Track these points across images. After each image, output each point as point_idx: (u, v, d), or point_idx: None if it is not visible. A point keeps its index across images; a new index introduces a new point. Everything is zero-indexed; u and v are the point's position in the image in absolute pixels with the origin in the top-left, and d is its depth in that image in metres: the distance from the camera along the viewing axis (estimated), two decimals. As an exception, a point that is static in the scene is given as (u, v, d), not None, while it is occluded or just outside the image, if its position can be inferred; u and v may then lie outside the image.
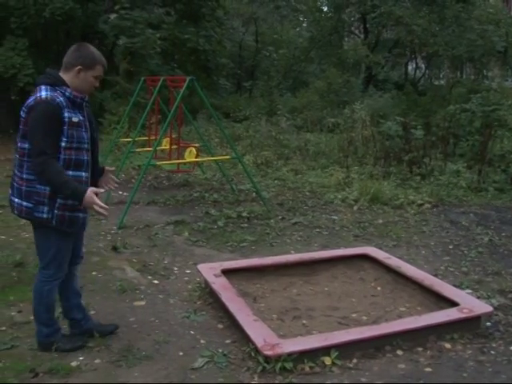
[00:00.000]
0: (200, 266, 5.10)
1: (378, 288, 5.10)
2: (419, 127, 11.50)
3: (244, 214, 7.94)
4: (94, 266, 5.72)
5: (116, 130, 11.83)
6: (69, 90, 3.58)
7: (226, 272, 4.96)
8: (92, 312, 4.52)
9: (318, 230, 7.43)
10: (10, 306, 4.70)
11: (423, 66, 31.74)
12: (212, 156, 9.51)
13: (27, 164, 3.54)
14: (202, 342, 4.12)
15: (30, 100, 3.52)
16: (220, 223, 7.53)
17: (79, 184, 3.54)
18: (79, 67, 3.60)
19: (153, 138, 9.85)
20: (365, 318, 4.49)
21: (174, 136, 9.12)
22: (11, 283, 5.18)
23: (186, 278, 5.46)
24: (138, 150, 10.05)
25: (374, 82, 23.95)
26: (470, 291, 5.04)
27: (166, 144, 9.05)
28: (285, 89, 21.60)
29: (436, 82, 31.16)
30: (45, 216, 3.57)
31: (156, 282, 5.33)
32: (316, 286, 5.11)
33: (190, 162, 8.70)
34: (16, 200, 3.62)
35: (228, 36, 24.79)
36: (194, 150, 8.41)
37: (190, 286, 5.21)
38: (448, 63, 22.19)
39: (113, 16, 14.10)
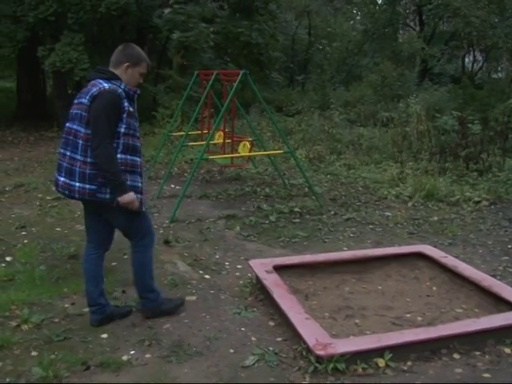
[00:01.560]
0: (252, 262, 5.06)
1: (434, 288, 4.96)
2: (476, 122, 11.17)
3: (296, 209, 7.87)
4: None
5: (169, 123, 11.91)
6: (123, 84, 3.92)
7: (278, 268, 4.90)
8: (143, 306, 4.54)
9: (371, 226, 7.30)
10: (63, 298, 4.76)
11: (481, 58, 30.90)
12: (265, 150, 9.44)
13: (84, 147, 3.81)
14: (252, 339, 4.07)
15: (94, 90, 3.79)
16: (272, 218, 7.48)
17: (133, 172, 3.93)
18: (127, 64, 3.95)
19: (205, 131, 9.86)
20: (420, 318, 4.37)
21: (227, 130, 9.10)
22: (65, 275, 5.25)
23: (238, 274, 5.43)
24: (190, 143, 10.07)
25: (430, 75, 23.43)
26: (530, 293, 4.85)
27: (218, 138, 9.04)
28: (337, 82, 21.33)
29: (494, 76, 30.36)
30: (107, 196, 3.85)
31: (207, 276, 5.32)
32: (369, 285, 5.00)
33: (243, 156, 8.66)
34: (77, 184, 3.82)
35: (281, 29, 24.62)
36: (247, 143, 8.37)
37: (241, 282, 5.18)
38: (507, 55, 21.48)
39: (167, 10, 14.18)
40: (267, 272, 4.76)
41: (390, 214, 7.88)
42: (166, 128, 11.79)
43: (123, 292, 4.86)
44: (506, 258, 6.12)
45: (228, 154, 8.56)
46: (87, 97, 3.80)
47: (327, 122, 14.24)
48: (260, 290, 4.81)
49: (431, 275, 5.16)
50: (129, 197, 3.84)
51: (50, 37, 15.40)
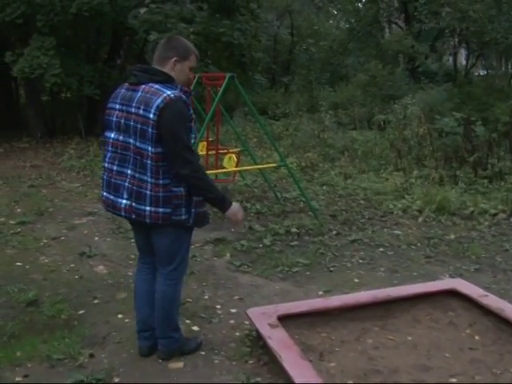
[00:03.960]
0: (251, 312, 4.09)
1: (476, 337, 4.01)
2: (478, 123, 10.31)
3: (293, 230, 6.92)
4: (120, 304, 4.76)
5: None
6: (178, 86, 3.44)
7: (283, 318, 3.95)
8: (116, 379, 3.55)
9: (381, 249, 6.36)
10: (14, 366, 3.74)
11: (471, 56, 29.99)
12: (255, 163, 8.42)
13: (163, 169, 3.36)
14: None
15: (158, 101, 3.27)
16: (266, 241, 6.53)
17: None
18: (175, 59, 3.46)
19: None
20: (469, 385, 3.43)
21: (210, 139, 8.12)
22: (20, 331, 4.24)
23: (232, 321, 4.45)
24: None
25: (417, 73, 22.57)
26: None
27: (202, 149, 8.06)
28: (323, 83, 20.40)
29: (479, 73, 29.61)
30: (183, 217, 3.48)
31: (195, 328, 4.31)
32: (396, 335, 4.05)
33: (230, 172, 7.67)
34: (148, 208, 3.39)
35: (262, 30, 23.68)
36: (234, 156, 7.38)
37: (237, 334, 4.20)
38: (500, 52, 20.70)
39: (143, 10, 13.13)
40: (271, 326, 3.79)
41: (399, 232, 6.96)
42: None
43: (91, 356, 3.85)
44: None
45: (212, 168, 7.55)
46: (151, 109, 3.27)
47: (317, 125, 13.28)
48: (263, 349, 3.83)
49: (470, 320, 4.22)
50: (234, 207, 3.61)
51: (18, 41, 14.36)
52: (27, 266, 5.74)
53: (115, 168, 3.48)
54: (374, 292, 4.56)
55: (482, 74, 30.12)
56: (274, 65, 26.47)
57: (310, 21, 26.46)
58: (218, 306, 4.75)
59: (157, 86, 3.34)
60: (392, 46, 21.32)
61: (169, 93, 3.29)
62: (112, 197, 3.51)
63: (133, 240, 6.29)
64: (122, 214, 3.49)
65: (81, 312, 4.56)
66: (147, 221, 3.42)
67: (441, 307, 4.38)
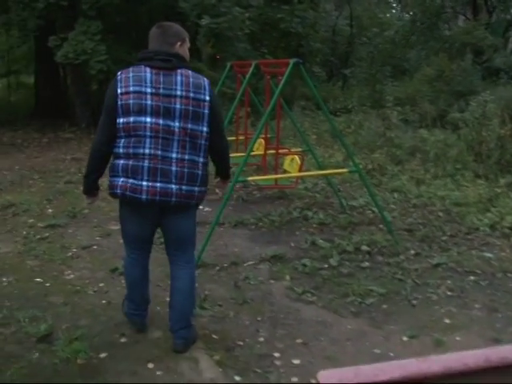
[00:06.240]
0: (323, 377, 3.04)
1: None
2: None
3: (363, 247, 5.85)
4: (153, 347, 3.76)
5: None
6: None
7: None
8: None
9: (471, 277, 5.23)
10: None
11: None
12: (319, 166, 7.27)
13: (204, 147, 3.45)
14: None
15: (205, 83, 3.41)
16: (332, 261, 5.48)
17: None
18: (179, 43, 3.50)
19: (242, 137, 7.90)
20: None
21: (269, 136, 7.09)
22: (23, 379, 3.32)
23: (295, 380, 3.43)
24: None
25: (491, 68, 20.92)
26: None
27: (259, 147, 7.01)
28: (387, 77, 19.05)
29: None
30: (203, 194, 3.58)
31: (248, 388, 3.33)
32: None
33: (293, 177, 6.56)
34: (197, 189, 3.44)
35: (320, 20, 22.50)
36: (297, 158, 6.29)
37: (303, 402, 3.19)
38: None
39: (195, -8, 12.23)
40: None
41: (490, 255, 5.79)
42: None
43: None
44: None
45: (270, 171, 6.46)
46: (205, 91, 3.38)
47: (382, 122, 12.05)
48: None
49: None
50: None
51: (64, 25, 13.60)
52: (47, 284, 4.84)
53: (160, 153, 3.31)
54: (485, 352, 3.43)
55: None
56: (332, 57, 25.26)
57: (372, 11, 25.11)
58: (277, 354, 3.72)
59: (189, 70, 3.41)
60: (461, 38, 19.79)
61: (202, 76, 3.46)
62: (159, 184, 3.32)
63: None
64: (173, 199, 3.36)
65: (102, 355, 3.60)
66: (193, 202, 3.47)
67: None
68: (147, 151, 3.29)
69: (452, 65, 16.93)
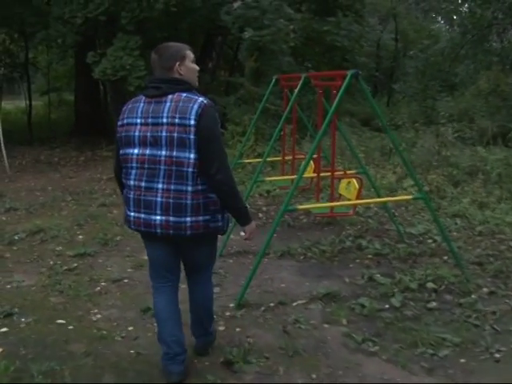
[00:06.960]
0: None
1: None
2: None
3: (429, 285, 5.11)
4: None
5: (240, 143, 9.46)
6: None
7: None
8: None
9: (560, 326, 4.46)
10: None
11: None
12: (376, 192, 6.46)
13: (193, 175, 3.23)
14: None
15: (195, 107, 3.18)
16: (394, 301, 4.76)
17: None
18: (178, 63, 3.34)
19: (288, 157, 7.27)
20: None
21: (322, 155, 6.42)
22: None
23: None
24: (268, 178, 7.37)
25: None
26: None
27: (310, 171, 6.32)
28: (439, 91, 18.18)
29: None
30: (220, 224, 3.44)
31: None
32: None
33: (352, 205, 5.77)
34: (189, 219, 3.27)
35: (365, 34, 21.83)
36: (354, 182, 5.56)
37: None
38: None
39: (236, 4, 11.65)
40: None
41: None
42: (237, 148, 9.41)
43: None
44: None
45: (326, 201, 5.68)
46: (190, 116, 3.16)
47: (436, 140, 11.24)
48: None
49: None
50: (253, 224, 3.59)
51: (104, 41, 13.23)
52: (70, 327, 4.25)
53: (143, 184, 3.29)
54: None
55: None
56: (377, 72, 24.50)
57: (419, 24, 24.31)
58: (338, 430, 3.04)
59: (185, 93, 3.27)
60: (515, 50, 18.84)
61: (202, 99, 3.25)
62: (143, 215, 3.31)
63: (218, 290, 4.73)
64: (158, 231, 3.29)
65: None
66: (188, 232, 3.29)
67: None
68: (131, 183, 3.33)
69: (507, 78, 16.02)
